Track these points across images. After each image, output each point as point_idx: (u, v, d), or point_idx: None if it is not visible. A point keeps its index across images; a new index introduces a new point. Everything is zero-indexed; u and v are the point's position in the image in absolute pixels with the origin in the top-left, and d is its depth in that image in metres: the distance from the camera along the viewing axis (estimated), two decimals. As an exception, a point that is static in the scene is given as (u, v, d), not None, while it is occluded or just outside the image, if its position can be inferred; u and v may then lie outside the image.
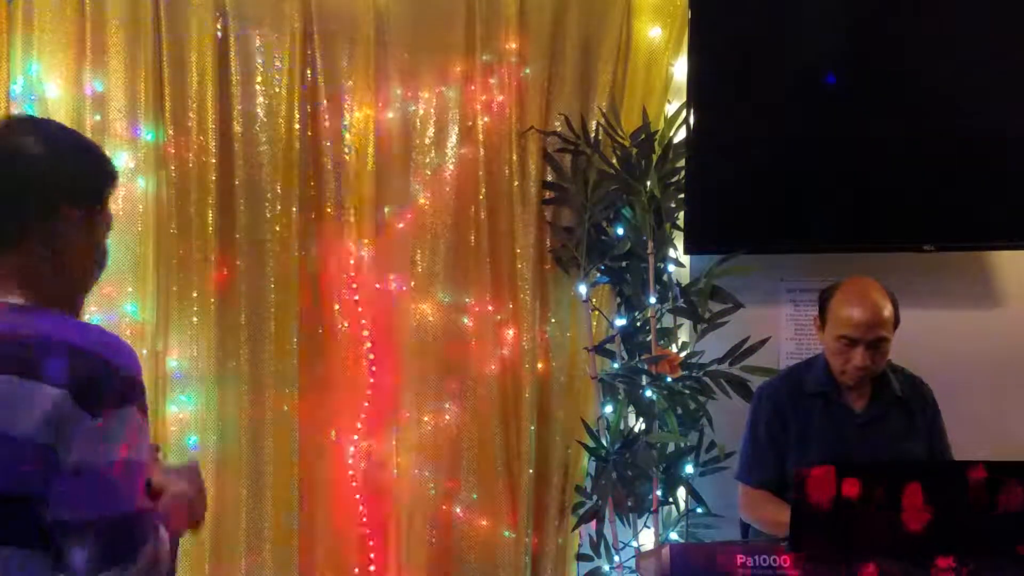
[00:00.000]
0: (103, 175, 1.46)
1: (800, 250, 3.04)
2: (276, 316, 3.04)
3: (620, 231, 2.98)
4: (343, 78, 3.07)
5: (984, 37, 2.87)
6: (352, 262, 3.09)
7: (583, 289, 3.02)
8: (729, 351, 2.83)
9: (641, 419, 2.95)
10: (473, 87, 3.07)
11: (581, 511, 2.93)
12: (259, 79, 3.05)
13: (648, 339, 2.94)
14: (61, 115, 2.98)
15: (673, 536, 2.96)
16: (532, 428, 3.04)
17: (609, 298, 3.08)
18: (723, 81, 2.97)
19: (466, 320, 3.10)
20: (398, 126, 3.09)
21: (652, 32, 3.09)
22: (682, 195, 2.95)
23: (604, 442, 2.93)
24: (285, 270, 3.05)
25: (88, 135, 2.91)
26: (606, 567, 2.95)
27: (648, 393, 2.89)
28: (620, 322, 3.03)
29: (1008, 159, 2.88)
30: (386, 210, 3.10)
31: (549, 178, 3.08)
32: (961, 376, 2.90)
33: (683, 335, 3.04)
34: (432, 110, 3.09)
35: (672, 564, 1.90)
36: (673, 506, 2.98)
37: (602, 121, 2.99)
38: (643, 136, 2.92)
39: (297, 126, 3.04)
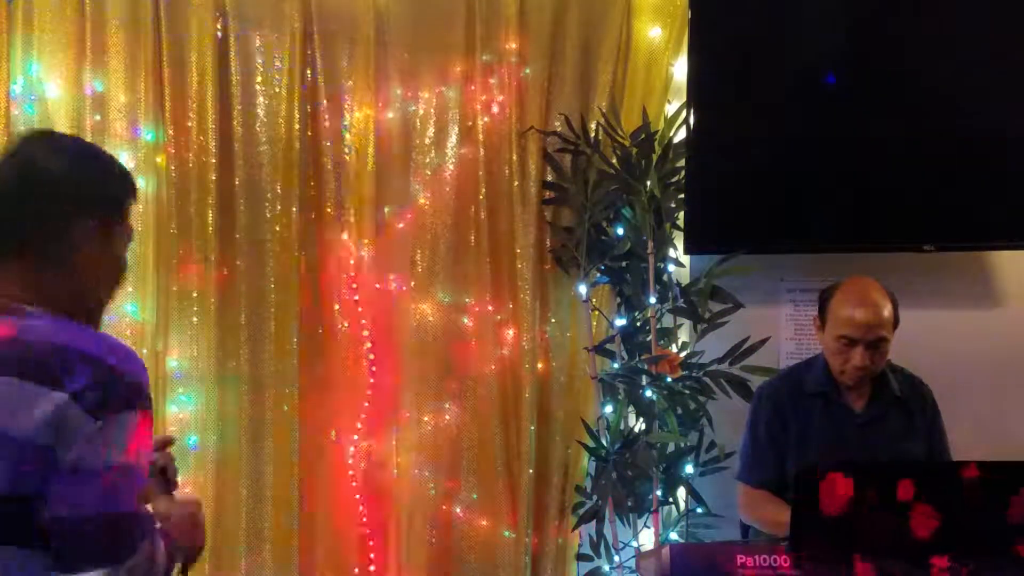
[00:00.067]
0: (120, 187, 1.47)
1: (800, 250, 3.04)
2: (276, 316, 3.04)
3: (620, 231, 2.98)
4: (343, 78, 3.07)
5: (984, 37, 2.87)
6: (352, 262, 3.09)
7: (583, 289, 3.02)
8: (729, 351, 2.83)
9: (641, 419, 2.95)
10: (473, 87, 3.07)
11: (581, 511, 2.93)
12: (259, 79, 3.05)
13: (648, 339, 2.95)
14: (61, 115, 3.00)
15: (673, 536, 2.96)
16: (532, 428, 3.04)
17: (609, 298, 3.08)
18: (723, 81, 2.97)
19: (466, 320, 3.10)
20: (398, 126, 3.09)
21: (652, 32, 3.09)
22: (682, 195, 2.95)
23: (604, 442, 2.93)
24: (285, 270, 3.05)
25: (88, 135, 2.93)
26: (606, 567, 2.96)
27: (648, 393, 2.89)
28: (620, 322, 3.03)
29: (1008, 159, 2.88)
30: (386, 210, 3.10)
31: (549, 178, 3.08)
32: (961, 376, 2.90)
33: (683, 335, 3.04)
34: (432, 110, 3.09)
35: (672, 564, 1.89)
36: (673, 506, 2.98)
37: (602, 121, 2.99)
38: (643, 136, 2.92)
39: (297, 126, 3.03)
